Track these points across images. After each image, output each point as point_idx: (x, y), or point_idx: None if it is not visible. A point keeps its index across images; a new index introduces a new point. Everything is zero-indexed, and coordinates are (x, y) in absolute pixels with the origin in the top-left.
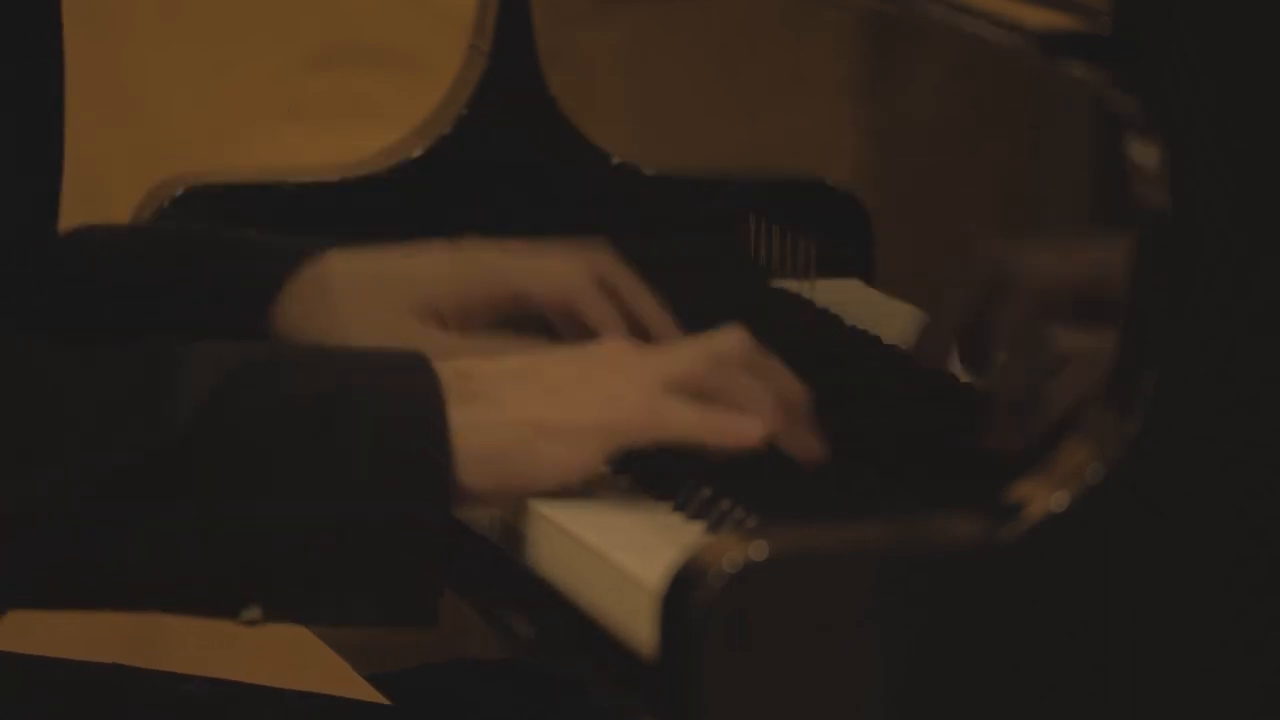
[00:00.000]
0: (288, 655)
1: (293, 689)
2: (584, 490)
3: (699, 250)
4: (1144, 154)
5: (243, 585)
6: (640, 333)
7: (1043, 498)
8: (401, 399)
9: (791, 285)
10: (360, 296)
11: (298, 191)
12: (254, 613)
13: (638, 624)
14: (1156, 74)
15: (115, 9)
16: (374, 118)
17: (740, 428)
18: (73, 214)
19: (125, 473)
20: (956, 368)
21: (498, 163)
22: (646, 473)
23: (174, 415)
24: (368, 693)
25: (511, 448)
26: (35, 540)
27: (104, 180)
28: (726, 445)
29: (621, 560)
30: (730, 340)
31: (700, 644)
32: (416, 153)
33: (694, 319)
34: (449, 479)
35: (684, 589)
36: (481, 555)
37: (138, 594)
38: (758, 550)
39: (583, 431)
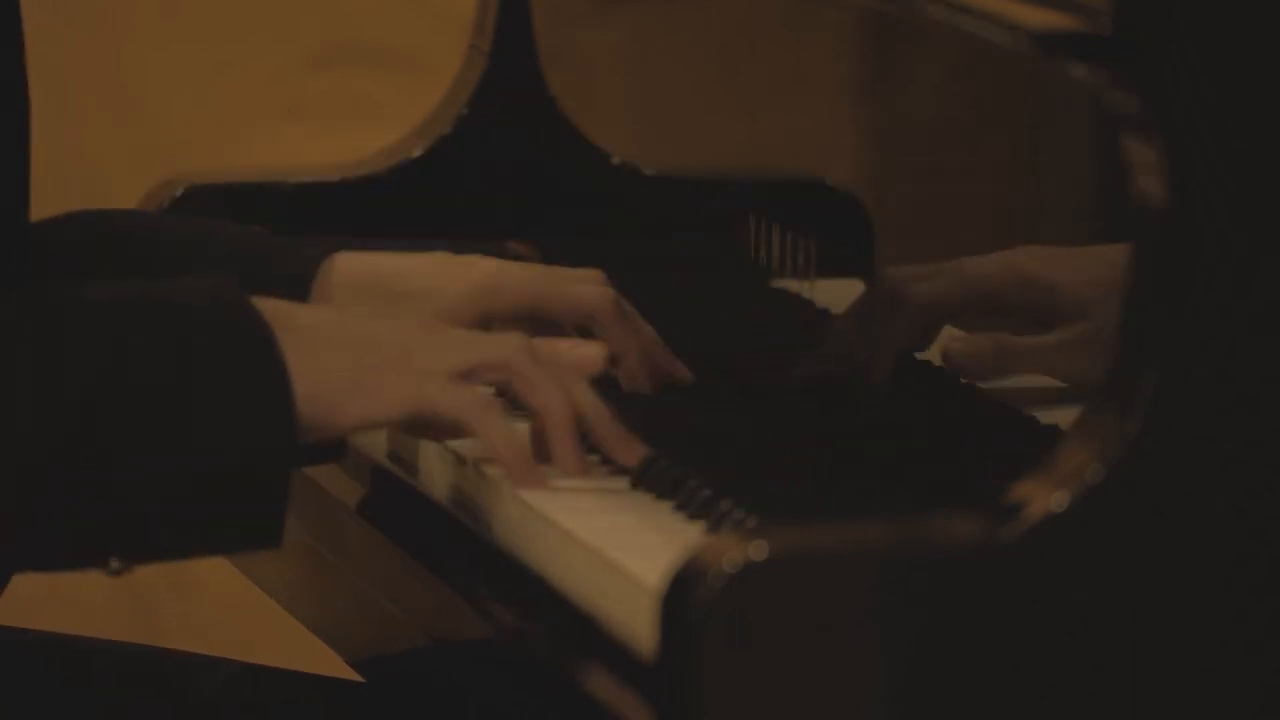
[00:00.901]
0: (275, 640)
1: (273, 666)
2: (584, 490)
3: (699, 250)
4: (1144, 154)
5: (106, 538)
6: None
7: (1043, 498)
8: (239, 340)
9: (791, 285)
10: (375, 303)
11: (298, 191)
12: (117, 561)
13: (638, 624)
14: (1156, 74)
15: (115, 9)
16: (374, 118)
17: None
18: None
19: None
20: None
21: (498, 163)
22: (646, 473)
23: (43, 381)
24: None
25: (333, 388)
26: None
27: (104, 180)
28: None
29: (621, 560)
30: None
31: (700, 644)
32: (416, 153)
33: (694, 319)
34: (290, 412)
35: (684, 589)
36: (481, 555)
37: (12, 555)
38: (758, 550)
39: (404, 388)
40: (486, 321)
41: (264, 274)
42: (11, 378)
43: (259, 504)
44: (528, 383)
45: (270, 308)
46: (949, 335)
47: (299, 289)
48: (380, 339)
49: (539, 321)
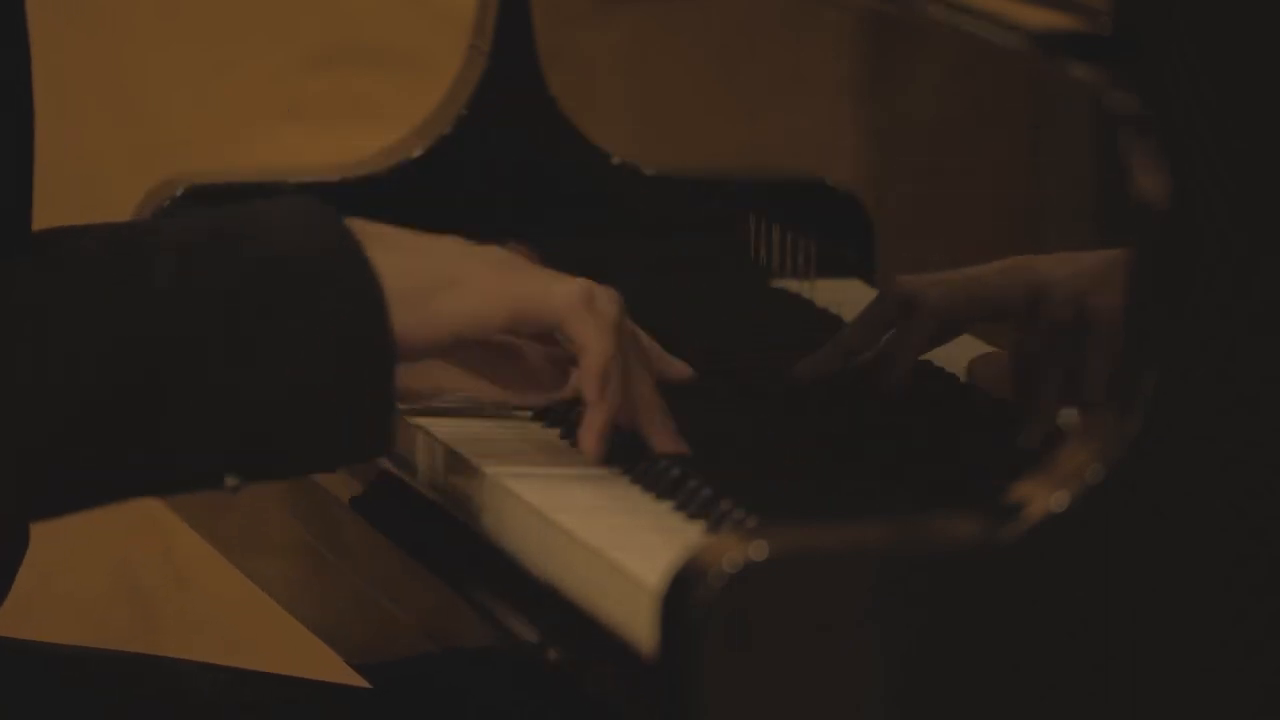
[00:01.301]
0: (275, 640)
1: (273, 671)
2: (584, 489)
3: (699, 250)
4: (1144, 154)
5: (223, 455)
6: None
7: (1043, 498)
8: (328, 255)
9: (791, 285)
10: None
11: (298, 191)
12: (234, 480)
13: (638, 624)
14: (1156, 74)
15: (115, 9)
16: (374, 118)
17: (600, 404)
18: (73, 214)
19: (102, 373)
20: (956, 368)
21: (498, 163)
22: (646, 473)
23: (135, 311)
24: (356, 682)
25: (428, 289)
26: (37, 441)
27: (104, 180)
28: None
29: (621, 560)
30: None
31: (700, 644)
32: (416, 153)
33: (694, 319)
34: (385, 317)
35: (684, 589)
36: (481, 555)
37: (128, 482)
38: (758, 550)
39: (494, 287)
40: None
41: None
42: (106, 288)
43: (365, 406)
44: (597, 328)
45: (357, 224)
46: (972, 351)
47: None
48: (468, 250)
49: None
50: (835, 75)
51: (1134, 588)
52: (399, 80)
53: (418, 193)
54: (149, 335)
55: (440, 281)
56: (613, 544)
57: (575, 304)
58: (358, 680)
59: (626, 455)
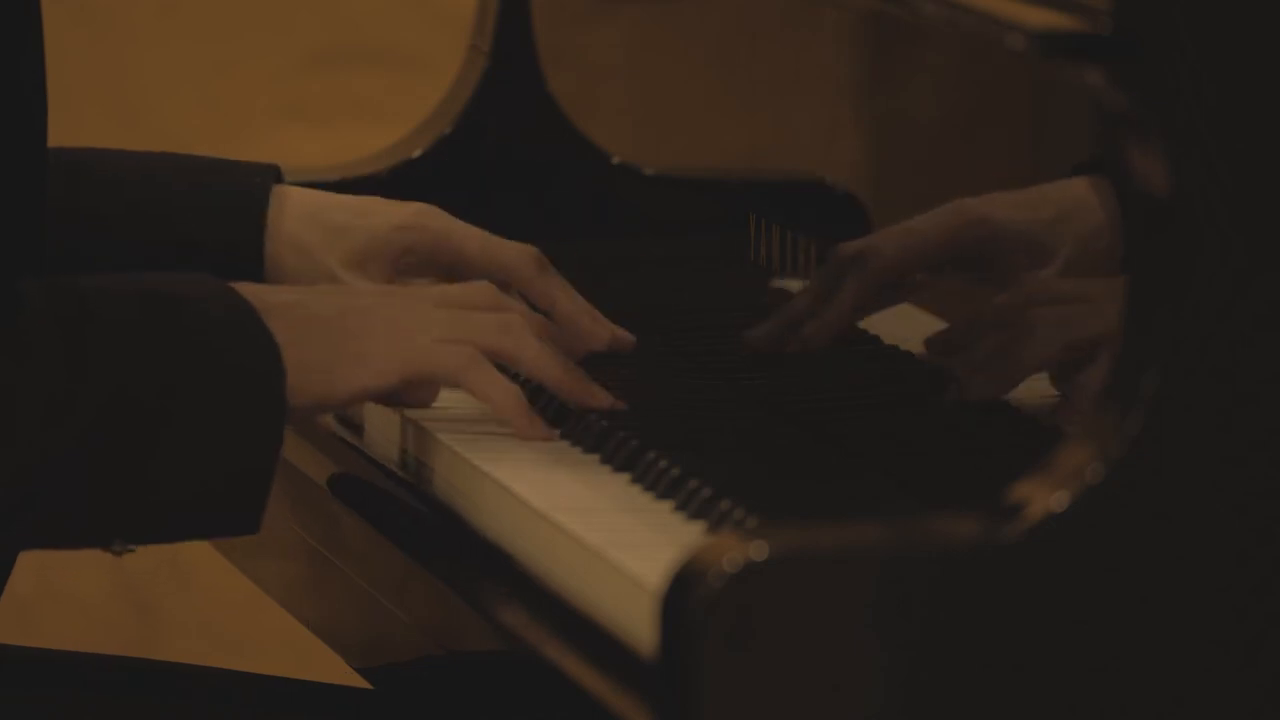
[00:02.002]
0: (275, 640)
1: (279, 675)
2: (584, 490)
3: (699, 250)
4: (1144, 154)
5: (114, 521)
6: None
7: (1043, 498)
8: (237, 336)
9: (791, 285)
10: (303, 234)
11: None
12: (119, 544)
13: (637, 624)
14: (1156, 74)
15: (115, 9)
16: (374, 118)
17: (527, 429)
18: None
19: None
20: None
21: (498, 163)
22: (646, 473)
23: (47, 374)
24: (357, 683)
25: (319, 365)
26: None
27: None
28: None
29: (621, 560)
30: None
31: (700, 644)
32: (416, 153)
33: (694, 319)
34: (283, 397)
35: (684, 589)
36: (481, 554)
37: (27, 536)
38: (758, 550)
39: (390, 356)
40: (407, 257)
41: (221, 194)
42: (29, 367)
43: (244, 485)
44: (512, 355)
45: (252, 292)
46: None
47: (254, 213)
48: (363, 311)
49: (455, 273)
50: (835, 75)
51: (1134, 588)
52: (399, 80)
53: (418, 193)
54: (69, 404)
55: (338, 355)
56: (613, 544)
57: (463, 365)
58: (358, 681)
59: (626, 456)
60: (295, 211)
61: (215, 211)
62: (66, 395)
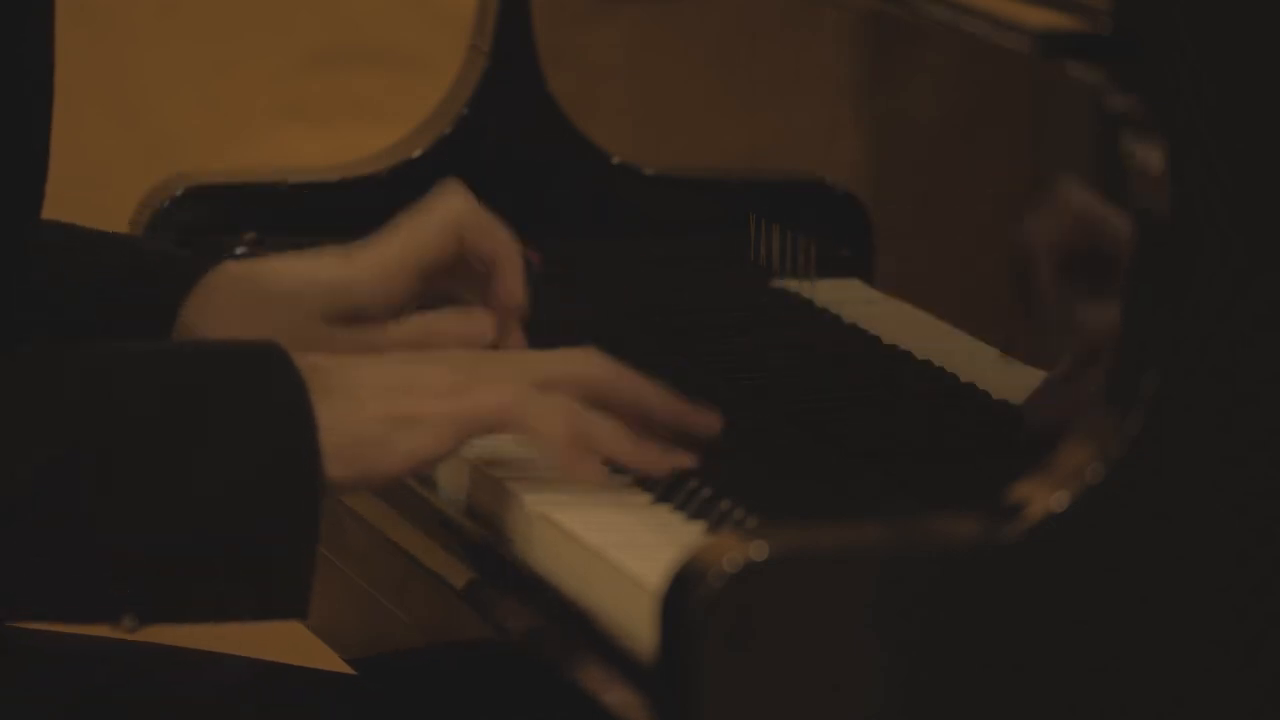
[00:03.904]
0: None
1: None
2: (584, 490)
3: (699, 250)
4: (1144, 154)
5: (119, 593)
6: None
7: (1043, 498)
8: (268, 396)
9: (791, 285)
10: (253, 306)
11: (298, 191)
12: (131, 620)
13: (638, 624)
14: (1156, 74)
15: (115, 9)
16: (374, 118)
17: (582, 469)
18: (73, 213)
19: (12, 493)
20: (956, 368)
21: (498, 163)
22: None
23: (50, 431)
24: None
25: (369, 439)
26: None
27: (104, 180)
28: (564, 470)
29: (621, 560)
30: (591, 364)
31: (700, 644)
32: (416, 153)
33: (694, 319)
34: (318, 473)
35: (684, 589)
36: (481, 554)
37: (22, 606)
38: (758, 550)
39: (438, 419)
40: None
41: (146, 279)
42: (34, 429)
43: (284, 569)
44: (616, 388)
45: (310, 366)
46: (972, 351)
47: (175, 295)
48: (413, 381)
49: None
50: (835, 75)
51: (1134, 588)
52: (399, 80)
53: (418, 193)
54: (89, 460)
55: (381, 432)
56: (613, 544)
57: (511, 409)
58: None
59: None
60: (239, 295)
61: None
62: (69, 454)
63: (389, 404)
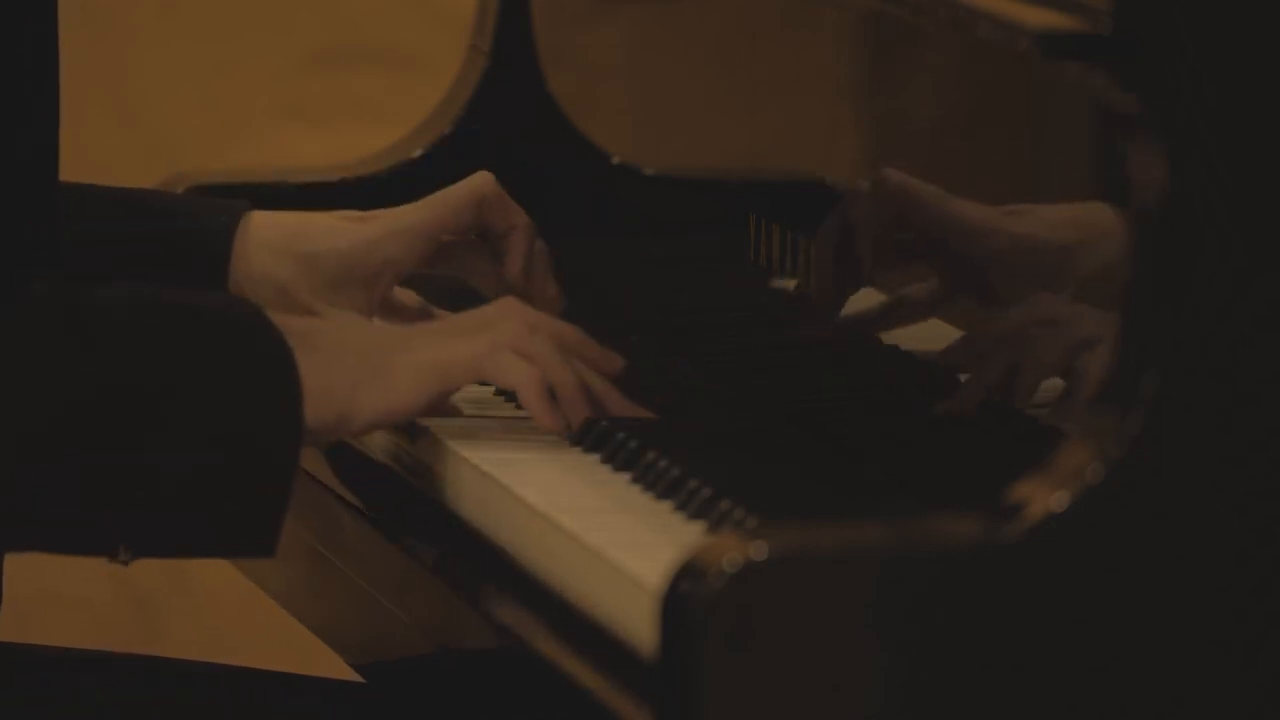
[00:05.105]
0: (276, 641)
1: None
2: (585, 490)
3: (699, 250)
4: (1144, 154)
5: (119, 528)
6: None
7: (1043, 498)
8: (252, 349)
9: (791, 285)
10: (273, 269)
11: (298, 191)
12: (125, 552)
13: (637, 624)
14: (1156, 74)
15: (115, 9)
16: (374, 118)
17: (544, 415)
18: None
19: (27, 432)
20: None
21: (498, 163)
22: (646, 473)
23: (68, 373)
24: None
25: (344, 387)
26: None
27: (104, 180)
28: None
29: (621, 560)
30: (538, 317)
31: (700, 644)
32: (416, 153)
33: (694, 319)
34: (299, 420)
35: (684, 589)
36: (481, 554)
37: (27, 536)
38: (758, 550)
39: (415, 367)
40: (386, 272)
41: (187, 231)
42: (35, 367)
43: (259, 506)
44: (533, 359)
45: (285, 321)
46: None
47: (221, 244)
48: (387, 341)
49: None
50: (835, 75)
51: (1134, 588)
52: (399, 80)
53: (418, 193)
54: (79, 402)
55: (360, 378)
56: (613, 544)
57: (486, 356)
58: (358, 680)
59: (626, 456)
60: (262, 246)
61: (178, 251)
62: (62, 392)
63: (369, 357)
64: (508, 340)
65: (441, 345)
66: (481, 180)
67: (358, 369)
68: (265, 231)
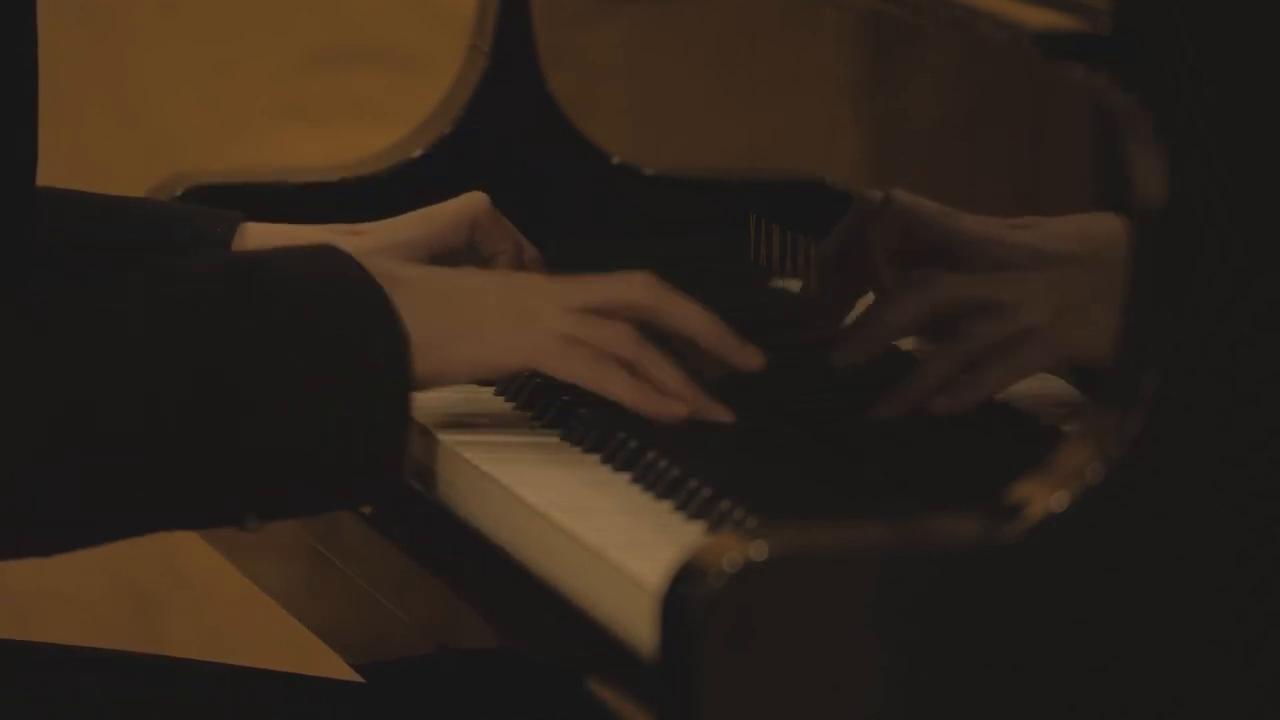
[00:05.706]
0: (276, 641)
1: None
2: (584, 490)
3: (699, 250)
4: (1144, 154)
5: (243, 496)
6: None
7: (1043, 498)
8: (350, 296)
9: (791, 285)
10: None
11: (298, 191)
12: (254, 520)
13: (637, 624)
14: (1156, 74)
15: (115, 9)
16: (374, 118)
17: (652, 405)
18: None
19: (131, 409)
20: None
21: (498, 163)
22: (646, 473)
23: (173, 352)
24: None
25: (447, 338)
26: (58, 479)
27: (104, 180)
28: (641, 410)
29: (621, 560)
30: (636, 289)
31: (700, 644)
32: (416, 153)
33: None
34: (405, 361)
35: (684, 589)
36: (481, 554)
37: (152, 518)
38: (758, 550)
39: (507, 339)
40: None
41: (183, 241)
42: (133, 343)
43: (378, 454)
44: (665, 313)
45: (377, 267)
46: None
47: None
48: (488, 289)
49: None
50: (835, 75)
51: (1134, 588)
52: (399, 80)
53: (418, 193)
54: (187, 375)
55: (458, 331)
56: (613, 544)
57: (568, 359)
58: (357, 680)
59: (626, 456)
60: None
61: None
62: (158, 369)
63: (462, 312)
64: (609, 351)
65: (545, 331)
66: (475, 201)
67: (456, 323)
68: (260, 243)
